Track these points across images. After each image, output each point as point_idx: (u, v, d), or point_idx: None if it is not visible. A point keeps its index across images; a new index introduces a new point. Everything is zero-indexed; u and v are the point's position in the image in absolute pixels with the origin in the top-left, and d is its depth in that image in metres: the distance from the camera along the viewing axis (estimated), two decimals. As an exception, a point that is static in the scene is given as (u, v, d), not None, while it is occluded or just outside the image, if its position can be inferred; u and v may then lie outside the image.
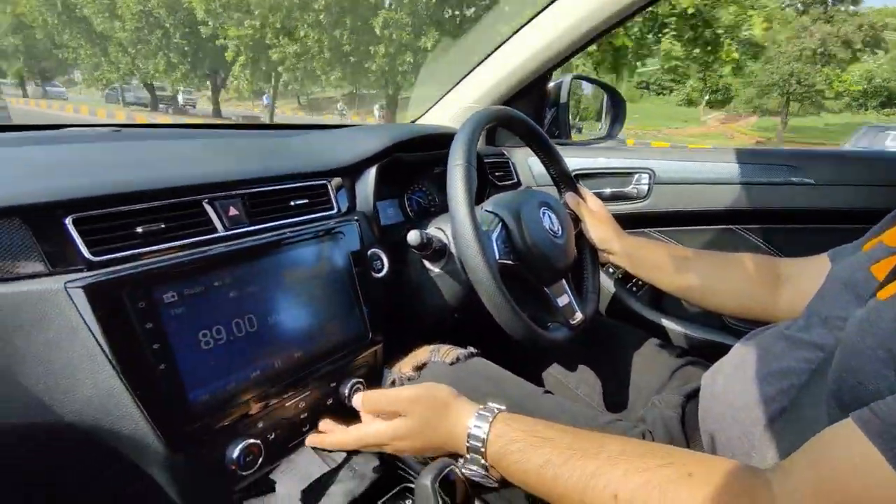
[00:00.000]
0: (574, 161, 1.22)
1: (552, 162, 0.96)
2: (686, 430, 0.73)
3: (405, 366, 0.77)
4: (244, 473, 0.60)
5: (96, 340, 0.51)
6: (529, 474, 0.52)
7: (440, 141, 0.96)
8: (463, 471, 0.56)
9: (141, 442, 0.54)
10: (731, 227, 1.13)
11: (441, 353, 0.78)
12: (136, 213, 0.58)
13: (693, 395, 0.82)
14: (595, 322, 1.05)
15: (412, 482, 0.71)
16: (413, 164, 1.04)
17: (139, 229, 0.58)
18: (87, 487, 0.59)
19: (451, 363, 0.76)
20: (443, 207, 1.09)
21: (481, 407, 0.59)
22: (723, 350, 0.78)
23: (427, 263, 0.88)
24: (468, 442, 0.56)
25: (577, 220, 0.96)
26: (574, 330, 0.84)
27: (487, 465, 0.56)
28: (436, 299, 0.89)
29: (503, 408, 0.59)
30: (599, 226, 0.95)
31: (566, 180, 0.98)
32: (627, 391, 0.94)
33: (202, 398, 0.57)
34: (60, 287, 0.51)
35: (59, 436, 0.52)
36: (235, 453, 0.59)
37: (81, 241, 0.54)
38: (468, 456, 0.57)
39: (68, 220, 0.53)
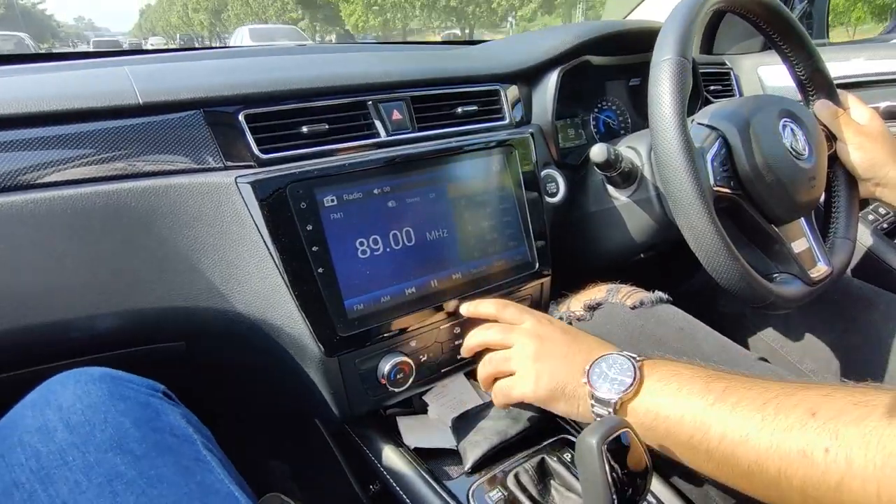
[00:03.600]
0: (833, 67, 0.90)
1: (803, 58, 0.70)
2: None
3: (576, 303, 0.66)
4: (394, 389, 0.58)
5: (261, 236, 0.52)
6: (689, 409, 0.41)
7: (644, 40, 0.77)
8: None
9: (299, 341, 0.54)
10: None
11: (621, 295, 0.65)
12: (301, 112, 0.57)
13: None
14: (840, 283, 0.80)
15: (570, 435, 0.62)
16: (605, 73, 0.87)
17: (304, 129, 0.56)
18: (255, 376, 0.64)
19: (633, 307, 0.63)
20: (637, 129, 0.91)
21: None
22: None
23: (612, 190, 0.74)
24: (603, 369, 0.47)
25: (830, 137, 0.70)
26: (813, 285, 0.63)
27: (619, 399, 0.45)
28: (618, 234, 0.75)
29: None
30: (868, 145, 0.68)
31: (821, 85, 0.72)
32: (882, 376, 0.69)
33: (357, 307, 0.55)
34: (231, 181, 0.52)
35: (231, 324, 0.55)
36: (387, 368, 0.57)
37: (252, 137, 0.54)
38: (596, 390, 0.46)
39: (241, 116, 0.54)
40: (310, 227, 0.53)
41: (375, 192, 0.57)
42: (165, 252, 0.52)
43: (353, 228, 0.56)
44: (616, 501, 0.40)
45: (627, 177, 0.70)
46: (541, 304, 0.69)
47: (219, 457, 0.43)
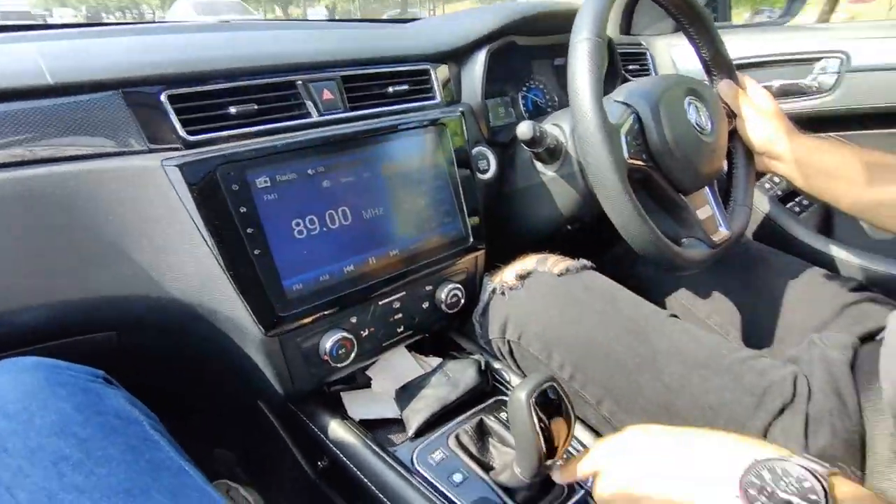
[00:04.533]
0: (734, 48, 0.98)
1: (707, 42, 0.76)
2: (857, 378, 0.58)
3: (508, 274, 0.70)
4: (337, 365, 0.60)
5: (193, 220, 0.51)
6: None
7: (566, 21, 0.81)
8: None
9: (239, 324, 0.55)
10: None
11: (549, 263, 0.69)
12: (229, 93, 0.56)
13: (870, 338, 0.65)
14: (741, 246, 0.88)
15: (506, 396, 0.67)
16: (531, 53, 0.90)
17: (232, 110, 0.55)
18: (195, 361, 0.63)
19: (560, 274, 0.67)
20: (563, 107, 0.95)
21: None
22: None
23: (539, 166, 0.78)
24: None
25: (731, 115, 0.78)
26: (715, 248, 0.70)
27: None
28: (547, 207, 0.79)
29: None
30: (763, 122, 0.76)
31: (722, 66, 0.79)
32: (775, 326, 0.78)
33: (296, 287, 0.56)
34: (158, 164, 0.50)
35: (166, 310, 0.55)
36: (328, 345, 0.59)
37: (177, 118, 0.53)
38: None
39: (164, 97, 0.52)
40: (243, 210, 0.53)
41: (309, 172, 0.58)
42: (89, 240, 0.50)
43: (289, 209, 0.56)
44: (545, 448, 0.45)
45: (553, 153, 0.74)
46: (476, 277, 0.73)
47: (167, 438, 0.44)
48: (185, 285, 0.54)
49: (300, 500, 0.80)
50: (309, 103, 0.61)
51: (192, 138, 0.53)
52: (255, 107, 0.57)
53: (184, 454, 0.45)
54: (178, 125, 0.52)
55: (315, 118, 0.61)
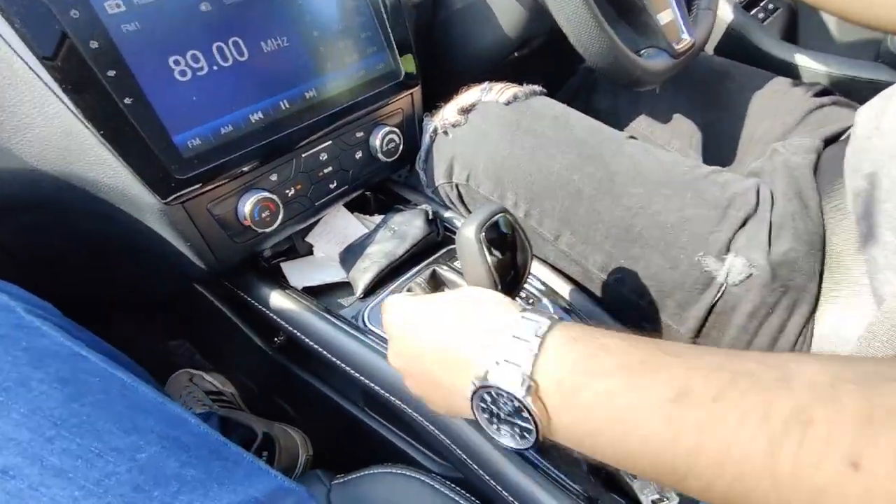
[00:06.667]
0: None
1: None
2: (820, 180, 0.55)
3: (450, 110, 0.62)
4: (264, 230, 0.52)
5: (25, 63, 0.39)
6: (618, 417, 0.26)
7: None
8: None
9: (128, 194, 0.45)
10: None
11: (494, 92, 0.60)
12: None
13: (835, 138, 0.61)
14: (702, 61, 0.81)
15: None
16: None
17: None
18: (96, 248, 0.55)
19: (507, 102, 0.59)
20: None
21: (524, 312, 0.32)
22: (882, 87, 0.54)
23: (476, -23, 0.65)
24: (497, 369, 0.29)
25: None
26: (678, 58, 0.62)
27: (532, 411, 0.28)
28: (490, 28, 0.68)
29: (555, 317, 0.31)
30: None
31: None
32: (737, 142, 0.74)
33: (192, 143, 0.46)
34: (-55, -16, 0.37)
35: (32, 184, 0.44)
36: (247, 208, 0.50)
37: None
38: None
39: None
40: (95, 45, 0.41)
41: (177, -10, 0.45)
42: None
43: (160, 43, 0.44)
44: (500, 285, 0.41)
45: (490, -44, 0.61)
46: (414, 119, 0.64)
47: (55, 322, 0.37)
48: (43, 149, 0.43)
49: (262, 375, 0.78)
50: None
51: (-10, -57, 0.38)
52: None
53: (99, 347, 0.39)
54: (-37, -76, 0.37)
55: (170, -87, 0.45)
